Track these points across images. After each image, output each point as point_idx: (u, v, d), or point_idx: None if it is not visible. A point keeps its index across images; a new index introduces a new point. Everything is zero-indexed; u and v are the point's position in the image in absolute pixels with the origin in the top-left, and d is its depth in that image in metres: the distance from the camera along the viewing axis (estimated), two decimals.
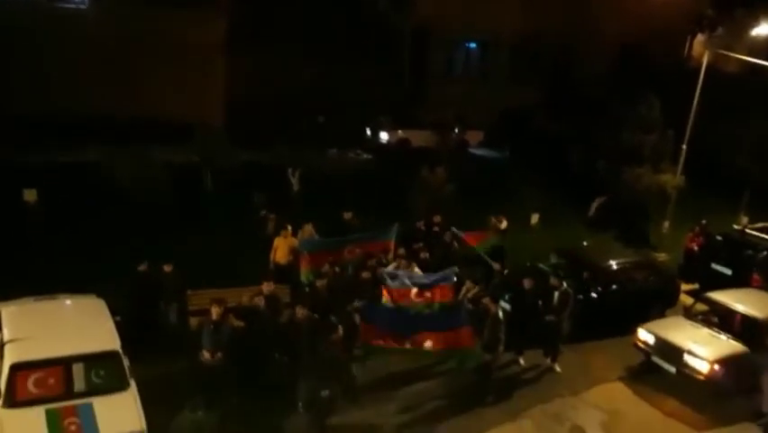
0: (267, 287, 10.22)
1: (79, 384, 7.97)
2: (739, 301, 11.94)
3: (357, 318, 10.29)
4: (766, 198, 18.72)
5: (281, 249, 12.23)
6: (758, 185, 19.12)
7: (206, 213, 15.70)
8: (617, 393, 11.32)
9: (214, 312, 9.22)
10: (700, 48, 25.92)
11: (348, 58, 23.07)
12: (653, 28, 25.88)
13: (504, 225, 15.18)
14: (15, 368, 7.78)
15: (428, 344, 10.29)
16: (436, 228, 14.02)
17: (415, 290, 11.24)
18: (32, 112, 17.62)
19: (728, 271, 14.88)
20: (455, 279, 11.62)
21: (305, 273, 11.55)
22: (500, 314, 10.60)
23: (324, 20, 22.49)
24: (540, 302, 11.51)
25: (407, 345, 10.21)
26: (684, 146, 17.93)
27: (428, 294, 11.28)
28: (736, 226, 16.45)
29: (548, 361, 11.78)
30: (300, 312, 9.71)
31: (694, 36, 28.96)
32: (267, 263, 12.23)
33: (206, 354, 9.02)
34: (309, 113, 21.80)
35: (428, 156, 20.22)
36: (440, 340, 10.28)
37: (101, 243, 13.41)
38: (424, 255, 12.74)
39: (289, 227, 12.52)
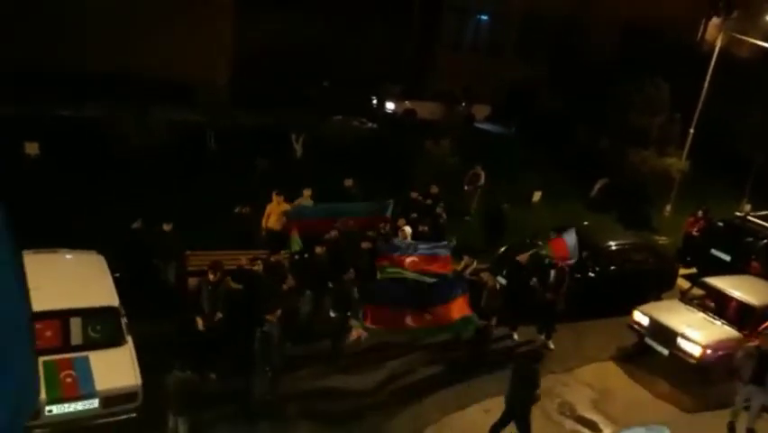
0: (275, 257, 10.19)
1: (76, 338, 8.06)
2: (736, 288, 11.97)
3: (354, 291, 10.30)
4: None
5: (274, 215, 12.13)
6: (763, 173, 19.02)
7: (208, 173, 15.64)
8: (608, 373, 11.43)
9: (211, 276, 9.27)
10: (715, 31, 25.53)
11: (358, 23, 22.77)
12: (668, 9, 25.46)
13: (481, 181, 14.95)
14: None
15: (429, 317, 10.33)
16: (429, 201, 13.99)
17: (410, 259, 11.26)
18: (35, 65, 17.40)
19: (727, 258, 14.88)
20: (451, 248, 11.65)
21: (294, 241, 11.52)
22: (497, 286, 10.70)
23: None
24: (535, 279, 11.54)
25: (409, 323, 10.19)
26: (692, 130, 17.79)
27: (422, 262, 11.29)
28: (738, 213, 16.40)
29: (542, 337, 11.87)
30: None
31: (709, 19, 28.49)
32: (259, 230, 12.18)
33: (203, 318, 9.07)
34: (315, 77, 21.58)
35: (434, 128, 20.11)
36: (440, 313, 10.32)
37: (101, 199, 13.38)
38: (422, 228, 12.74)
39: (278, 194, 12.28)
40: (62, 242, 9.90)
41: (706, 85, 17.45)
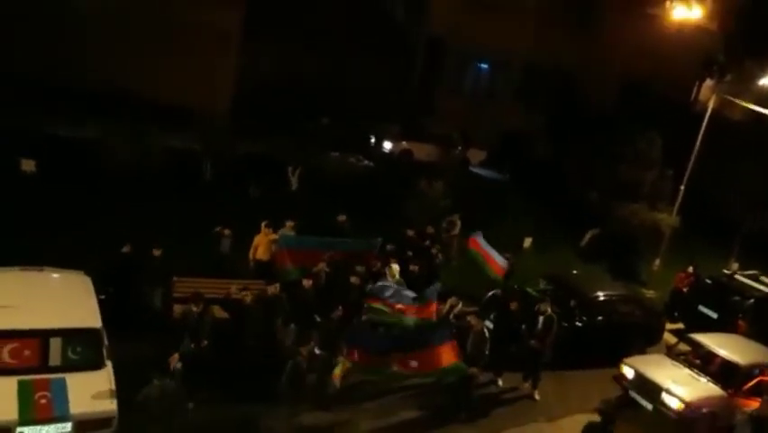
0: (272, 289, 10.18)
1: (55, 359, 7.94)
2: (722, 346, 11.99)
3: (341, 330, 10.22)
4: (759, 246, 18.83)
5: (262, 246, 12.12)
6: (752, 233, 19.24)
7: (201, 200, 15.66)
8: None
9: (194, 308, 9.24)
10: (708, 92, 26.12)
11: (360, 62, 23.18)
12: (664, 67, 26.09)
13: (456, 230, 14.98)
14: None
15: (414, 364, 10.23)
16: (428, 241, 14.04)
17: (399, 306, 11.24)
18: (38, 83, 17.53)
19: (714, 315, 14.93)
20: (437, 294, 11.62)
21: (283, 271, 11.47)
22: (485, 331, 10.66)
23: (340, 22, 22.59)
24: (524, 326, 11.51)
25: (394, 367, 10.09)
26: (682, 187, 18.03)
27: (413, 309, 11.25)
28: (725, 271, 16.53)
29: (527, 385, 11.77)
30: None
31: (703, 80, 29.18)
32: (247, 261, 12.15)
33: (190, 345, 9.00)
34: (315, 113, 21.83)
35: (429, 169, 20.29)
36: (426, 360, 10.23)
37: (94, 220, 13.35)
38: (413, 267, 12.74)
39: (266, 225, 12.30)
40: (51, 260, 9.82)
41: (698, 143, 17.78)
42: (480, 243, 14.13)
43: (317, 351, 10.09)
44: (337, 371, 9.85)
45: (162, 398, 7.83)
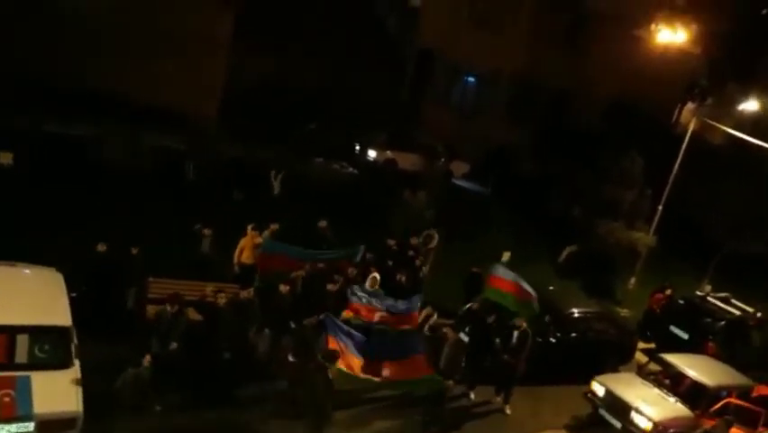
0: (245, 294, 10.11)
1: (21, 356, 7.84)
2: (691, 367, 12.12)
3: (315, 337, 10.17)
4: (733, 269, 19.10)
5: (247, 249, 12.08)
6: (727, 255, 19.51)
7: (185, 202, 15.57)
8: None
9: (169, 308, 9.17)
10: (689, 115, 26.52)
11: (349, 71, 23.25)
12: (648, 89, 26.45)
13: (434, 243, 14.63)
14: None
15: (386, 372, 10.34)
16: (411, 252, 14.03)
17: (379, 313, 11.22)
18: (23, 78, 17.38)
19: (685, 336, 15.08)
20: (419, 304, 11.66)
21: (264, 276, 11.42)
22: (461, 343, 10.73)
23: (331, 30, 22.66)
24: (498, 340, 11.56)
25: (362, 375, 10.17)
26: (660, 207, 18.25)
27: (392, 319, 11.26)
28: (698, 293, 16.74)
29: (499, 399, 11.82)
30: None
31: (684, 103, 29.63)
32: (231, 264, 12.09)
33: (159, 346, 8.93)
34: (303, 119, 21.84)
35: (412, 180, 20.36)
36: (398, 369, 10.30)
37: (72, 217, 13.21)
38: (400, 277, 12.74)
39: (253, 228, 12.25)
40: (24, 256, 9.68)
41: (677, 165, 18.02)
42: (501, 276, 12.75)
43: (291, 358, 10.02)
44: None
45: (135, 385, 7.79)
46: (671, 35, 23.09)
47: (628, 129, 23.37)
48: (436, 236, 14.62)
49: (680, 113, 29.89)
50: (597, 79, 26.92)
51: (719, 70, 27.39)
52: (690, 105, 28.02)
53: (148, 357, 8.63)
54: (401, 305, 11.54)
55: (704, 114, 21.05)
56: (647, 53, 25.86)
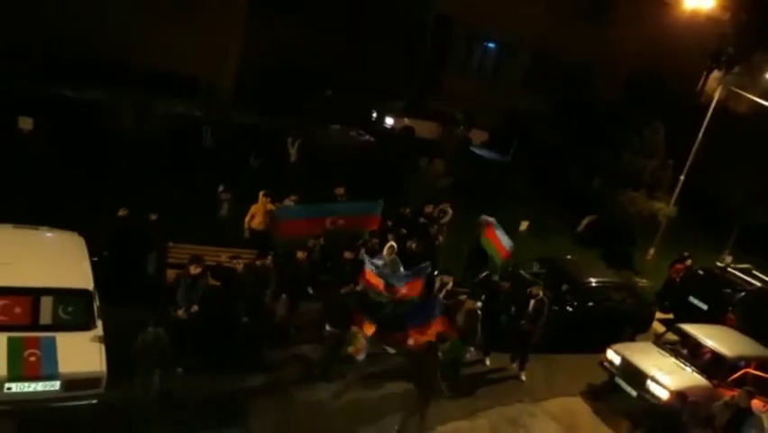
0: (264, 260, 10.13)
1: (45, 317, 7.96)
2: (710, 337, 12.06)
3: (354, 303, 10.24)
4: (754, 239, 18.86)
5: (259, 215, 12.06)
6: (748, 226, 19.25)
7: (201, 169, 15.64)
8: (576, 408, 11.44)
9: (192, 269, 9.23)
10: (714, 84, 25.94)
11: (367, 36, 22.95)
12: (672, 57, 25.87)
13: (447, 218, 14.54)
14: None
15: (411, 341, 10.47)
16: (425, 220, 14.00)
17: (383, 284, 11.22)
18: (42, 44, 17.41)
19: (704, 307, 15.00)
20: (428, 272, 11.63)
21: (280, 243, 11.47)
22: (478, 310, 10.78)
23: None
24: (513, 307, 11.58)
25: (390, 349, 10.42)
26: (682, 177, 17.98)
27: (400, 290, 11.23)
28: (718, 264, 16.56)
29: (514, 366, 11.88)
30: None
31: (710, 71, 28.96)
32: (241, 230, 12.11)
33: (180, 312, 9.04)
34: (319, 85, 21.69)
35: (430, 147, 20.22)
36: (421, 335, 10.40)
37: (92, 182, 13.35)
38: (410, 244, 12.73)
39: (265, 195, 12.22)
40: (46, 219, 9.82)
41: (700, 134, 17.68)
42: (493, 228, 13.65)
43: (328, 328, 10.07)
44: (356, 345, 10.04)
45: (155, 344, 8.00)
46: (699, 1, 22.43)
47: (651, 98, 22.92)
48: (450, 211, 14.52)
49: (705, 81, 29.25)
50: (620, 47, 26.38)
51: (747, 38, 26.65)
52: (715, 74, 27.41)
53: (180, 312, 8.91)
54: (403, 275, 11.48)
55: (730, 82, 20.58)
56: (672, 20, 25.22)
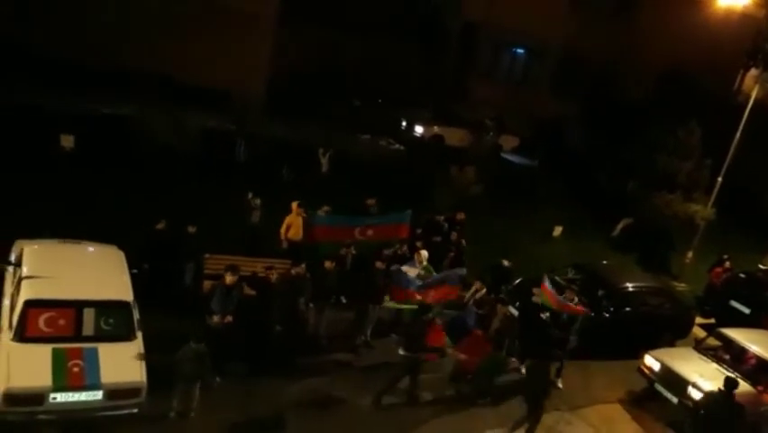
0: (298, 269, 10.25)
1: (88, 329, 8.19)
2: (753, 341, 11.75)
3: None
4: None
5: (295, 226, 12.22)
6: None
7: (235, 182, 15.90)
8: (614, 415, 11.25)
9: (228, 278, 9.39)
10: (751, 82, 25.29)
11: (395, 46, 23.09)
12: (706, 56, 25.34)
13: (461, 216, 14.28)
14: (29, 304, 8.03)
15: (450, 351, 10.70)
16: (458, 227, 13.99)
17: (426, 291, 11.23)
18: (79, 61, 17.95)
19: (747, 310, 14.62)
20: (463, 276, 11.60)
21: (313, 247, 11.59)
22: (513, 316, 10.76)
23: (375, 7, 22.51)
24: (547, 314, 11.46)
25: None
26: (720, 178, 17.58)
27: (432, 293, 11.21)
28: (761, 266, 16.11)
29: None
30: None
31: (747, 69, 28.24)
32: (279, 241, 12.27)
33: (216, 318, 9.21)
34: (348, 96, 21.88)
35: (460, 155, 20.19)
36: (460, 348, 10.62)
37: (130, 195, 13.71)
38: (449, 254, 12.78)
39: (299, 205, 12.36)
40: (87, 234, 10.12)
41: (738, 134, 17.27)
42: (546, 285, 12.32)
43: (401, 352, 10.05)
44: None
45: (196, 360, 8.17)
46: None
47: (685, 99, 22.47)
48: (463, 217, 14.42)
49: (742, 80, 28.54)
50: (650, 47, 25.97)
51: None
52: (753, 72, 26.72)
53: (216, 318, 9.13)
54: (437, 278, 11.46)
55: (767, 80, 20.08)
56: (705, 18, 24.70)
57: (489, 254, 14.55)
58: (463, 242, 13.64)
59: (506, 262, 12.78)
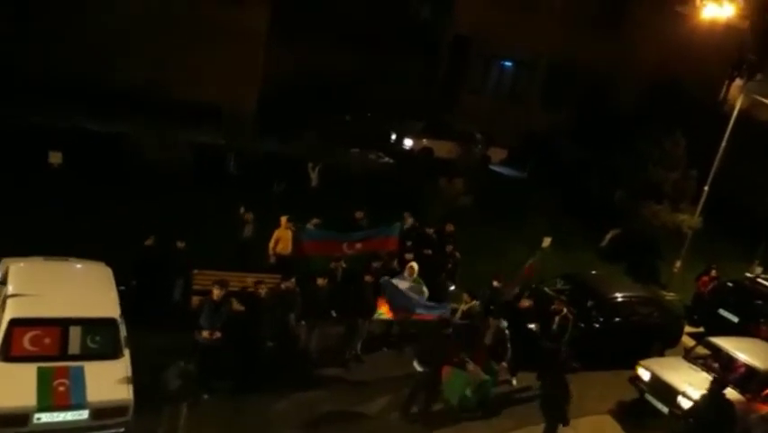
0: (288, 284, 10.23)
1: (74, 347, 8.12)
2: (741, 350, 11.81)
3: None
4: None
5: (283, 240, 12.20)
6: None
7: (225, 196, 15.88)
8: (606, 426, 11.26)
9: (216, 293, 9.35)
10: (736, 92, 25.60)
11: (384, 60, 23.21)
12: (693, 67, 25.65)
13: (450, 228, 14.20)
14: (14, 323, 7.97)
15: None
16: (451, 239, 13.96)
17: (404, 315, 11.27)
18: (67, 78, 17.94)
19: (735, 319, 14.70)
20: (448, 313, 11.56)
21: (303, 261, 11.59)
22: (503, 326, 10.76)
23: (365, 21, 22.64)
24: (534, 325, 11.49)
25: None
26: (706, 188, 17.73)
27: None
28: (748, 275, 16.23)
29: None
30: None
31: (732, 80, 28.61)
32: (267, 255, 12.23)
33: (204, 334, 9.16)
34: (337, 110, 21.94)
35: (449, 167, 20.27)
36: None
37: (118, 212, 13.65)
38: (443, 270, 12.81)
39: (287, 220, 12.36)
40: (75, 251, 10.06)
41: (723, 144, 17.45)
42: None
43: (419, 368, 10.04)
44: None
45: (182, 378, 8.07)
46: (717, 9, 22.24)
47: (672, 109, 22.71)
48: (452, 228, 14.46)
49: (727, 90, 28.90)
50: (638, 60, 26.25)
51: (767, 44, 26.28)
52: (737, 82, 27.07)
53: (205, 334, 9.05)
54: (424, 306, 11.46)
55: (752, 90, 20.32)
56: (690, 30, 25.00)
57: (477, 265, 14.59)
58: (457, 254, 13.66)
59: (496, 283, 12.86)
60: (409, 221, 13.68)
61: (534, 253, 12.47)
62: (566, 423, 9.76)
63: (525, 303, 11.74)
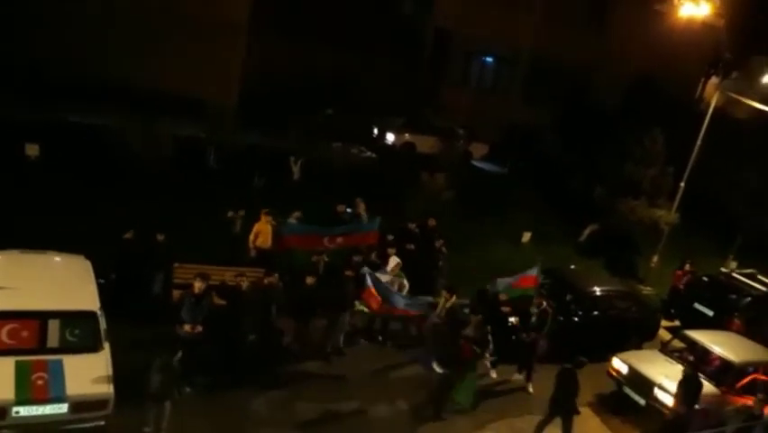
0: (271, 279, 10.20)
1: (53, 340, 8.02)
2: (716, 343, 12.04)
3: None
4: (757, 245, 18.83)
5: (263, 234, 12.16)
6: (751, 231, 19.23)
7: (205, 189, 15.77)
8: (584, 419, 11.33)
9: (197, 286, 9.29)
10: (712, 90, 26.03)
11: (366, 54, 23.17)
12: (670, 65, 26.00)
13: (432, 222, 14.17)
14: None
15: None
16: (436, 234, 14.00)
17: (380, 302, 11.28)
18: (46, 70, 17.63)
19: (710, 313, 14.99)
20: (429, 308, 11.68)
21: (285, 255, 11.57)
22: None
23: (348, 14, 22.58)
24: (513, 319, 11.61)
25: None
26: (682, 184, 18.02)
27: (397, 310, 11.47)
28: (723, 270, 16.55)
29: (521, 378, 11.87)
30: None
31: (708, 78, 29.08)
32: (246, 249, 12.17)
33: (186, 327, 9.10)
34: (319, 104, 21.88)
35: (431, 162, 20.35)
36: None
37: (98, 205, 13.48)
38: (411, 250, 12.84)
39: (266, 213, 12.32)
40: (53, 244, 9.92)
41: (699, 141, 17.74)
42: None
43: (438, 369, 10.18)
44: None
45: (164, 374, 8.06)
46: (693, 8, 22.55)
47: (650, 106, 23.03)
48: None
49: (703, 88, 29.36)
50: (618, 56, 26.50)
51: (743, 43, 26.75)
52: (713, 80, 27.52)
53: (186, 327, 9.00)
54: (405, 300, 11.55)
55: (728, 88, 20.66)
56: (669, 28, 25.33)
57: (458, 260, 14.67)
58: (444, 249, 13.70)
59: (489, 287, 12.98)
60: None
61: (536, 261, 12.40)
62: (578, 412, 10.13)
63: (503, 296, 11.85)
